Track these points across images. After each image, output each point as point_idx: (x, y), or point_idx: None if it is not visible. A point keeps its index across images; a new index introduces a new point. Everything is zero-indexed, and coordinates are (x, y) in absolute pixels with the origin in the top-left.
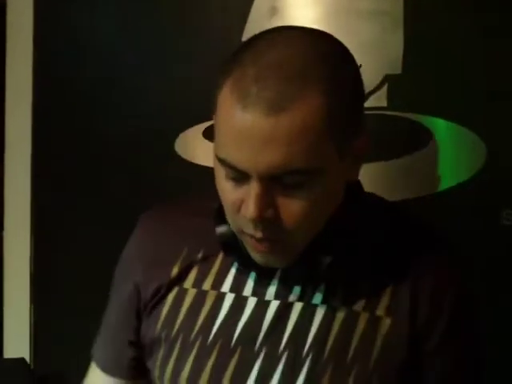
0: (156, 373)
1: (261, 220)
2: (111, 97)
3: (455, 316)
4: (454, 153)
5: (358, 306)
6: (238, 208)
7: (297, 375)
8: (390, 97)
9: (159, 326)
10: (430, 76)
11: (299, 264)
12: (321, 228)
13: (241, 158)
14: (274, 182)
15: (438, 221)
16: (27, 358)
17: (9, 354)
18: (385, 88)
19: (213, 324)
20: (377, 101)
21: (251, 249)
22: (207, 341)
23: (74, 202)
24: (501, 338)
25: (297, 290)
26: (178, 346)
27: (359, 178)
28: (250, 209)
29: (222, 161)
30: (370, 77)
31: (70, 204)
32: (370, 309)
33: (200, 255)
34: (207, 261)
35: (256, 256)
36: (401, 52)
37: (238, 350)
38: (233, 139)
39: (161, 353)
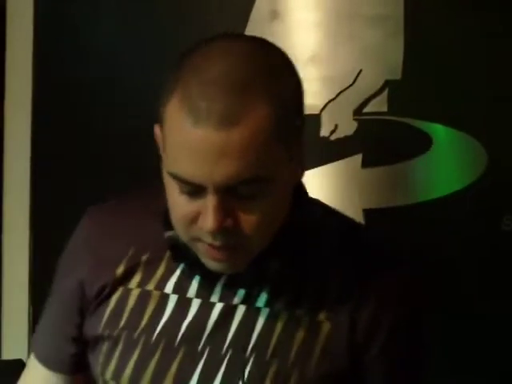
0: (98, 369)
1: (219, 231)
2: (112, 96)
3: (396, 330)
4: (454, 158)
5: (300, 310)
6: (192, 220)
7: (239, 376)
8: (390, 102)
9: (102, 324)
10: (430, 81)
11: (246, 269)
12: (275, 230)
13: (195, 172)
14: (229, 194)
15: (439, 226)
16: (25, 360)
17: (7, 355)
18: (385, 93)
19: (157, 324)
20: (377, 106)
21: (206, 256)
22: (151, 340)
23: (74, 203)
24: (500, 340)
25: (241, 292)
26: (121, 343)
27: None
28: (209, 221)
29: (174, 175)
30: (370, 82)
31: (69, 205)
32: (311, 314)
33: (146, 256)
34: (153, 262)
35: (210, 263)
36: (401, 57)
37: (182, 350)
38: (185, 154)
39: (103, 350)
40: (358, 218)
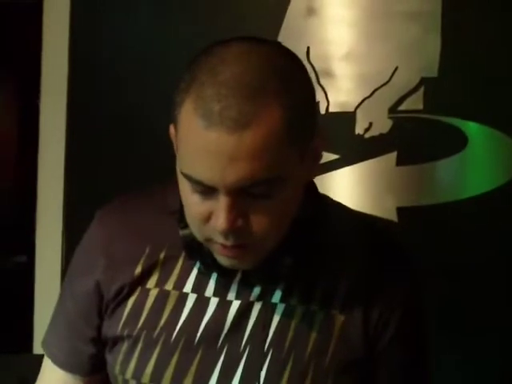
0: (117, 368)
1: (231, 231)
2: (145, 95)
3: (406, 321)
4: (489, 157)
5: (315, 304)
6: (206, 219)
7: (258, 371)
8: (426, 100)
9: (121, 324)
10: (467, 79)
11: (261, 265)
12: (286, 230)
13: (207, 174)
14: (241, 195)
15: (473, 225)
16: None
17: (39, 350)
18: (421, 91)
19: (176, 323)
20: (413, 103)
21: (219, 254)
22: (171, 338)
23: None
24: None
25: (257, 289)
26: (140, 343)
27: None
28: (221, 221)
29: (187, 176)
30: (405, 79)
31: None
32: (325, 307)
33: (162, 255)
34: (170, 261)
35: (223, 259)
36: (437, 55)
37: (201, 348)
38: (198, 157)
39: (123, 349)
40: (392, 216)
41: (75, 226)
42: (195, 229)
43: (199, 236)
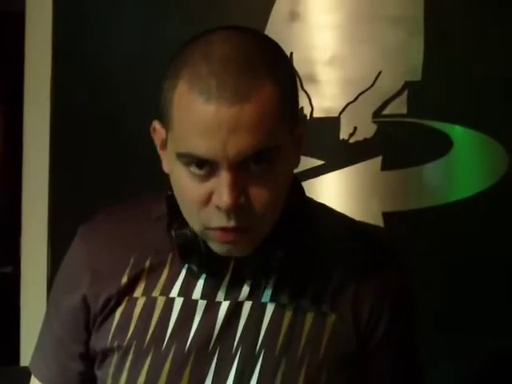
0: (108, 381)
1: (235, 207)
2: (130, 96)
3: (395, 318)
4: (474, 160)
5: (305, 302)
6: (205, 202)
7: (251, 373)
8: (410, 104)
9: (110, 336)
10: (450, 83)
11: (251, 259)
12: (279, 213)
13: (209, 148)
14: (241, 170)
15: (459, 229)
16: None
17: (26, 362)
18: (405, 95)
19: (165, 330)
20: (397, 108)
21: (216, 240)
22: (161, 347)
23: (93, 205)
24: None
25: (246, 289)
26: (131, 354)
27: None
28: (225, 197)
29: (185, 156)
30: (389, 84)
31: (87, 207)
32: (316, 305)
33: (148, 263)
34: (156, 268)
35: (219, 246)
36: (421, 59)
37: (193, 354)
38: (198, 131)
39: (113, 362)
40: (378, 221)
41: (61, 237)
42: (192, 217)
43: (196, 225)
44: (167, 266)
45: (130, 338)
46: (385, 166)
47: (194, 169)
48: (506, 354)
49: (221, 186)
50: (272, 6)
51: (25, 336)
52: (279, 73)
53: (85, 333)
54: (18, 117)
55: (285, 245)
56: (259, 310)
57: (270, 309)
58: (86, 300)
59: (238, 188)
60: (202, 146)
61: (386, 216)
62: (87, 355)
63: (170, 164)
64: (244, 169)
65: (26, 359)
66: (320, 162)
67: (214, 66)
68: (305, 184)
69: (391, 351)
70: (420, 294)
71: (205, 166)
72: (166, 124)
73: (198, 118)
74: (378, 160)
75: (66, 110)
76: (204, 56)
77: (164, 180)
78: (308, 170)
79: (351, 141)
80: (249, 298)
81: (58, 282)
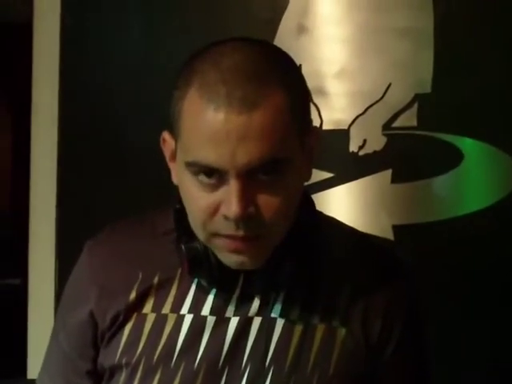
0: None
1: (243, 217)
2: (134, 106)
3: (406, 332)
4: (485, 173)
5: (315, 317)
6: (214, 212)
7: None
8: (420, 116)
9: (119, 353)
10: (460, 95)
11: (261, 273)
12: (290, 224)
13: (218, 156)
14: (250, 180)
15: (469, 242)
16: None
17: (33, 375)
18: (415, 107)
19: (174, 347)
20: (406, 120)
21: (226, 249)
22: (170, 364)
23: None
24: None
25: (256, 304)
26: (140, 370)
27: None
28: (234, 207)
29: (193, 164)
30: (399, 96)
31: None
32: (326, 320)
33: (156, 279)
34: (164, 284)
35: (229, 257)
36: (431, 71)
37: (202, 372)
38: (207, 139)
39: (121, 379)
40: (388, 234)
41: (68, 249)
42: (200, 226)
43: (203, 233)
44: (176, 282)
45: (139, 355)
46: (395, 179)
47: (202, 178)
48: None
49: (229, 196)
50: (280, 19)
51: (32, 348)
52: (289, 83)
53: (92, 349)
54: (26, 131)
55: (294, 259)
56: (269, 326)
57: (279, 324)
58: (93, 316)
59: (247, 197)
60: (210, 155)
61: (396, 229)
62: (94, 372)
63: (178, 175)
64: (253, 178)
65: (33, 372)
66: (329, 175)
67: (223, 75)
68: (314, 197)
69: (403, 364)
70: (430, 307)
71: (213, 175)
72: (175, 134)
73: (207, 127)
74: (388, 173)
75: (74, 123)
76: (214, 65)
77: (168, 191)
78: (317, 182)
79: (361, 153)
80: (258, 313)
81: (64, 298)
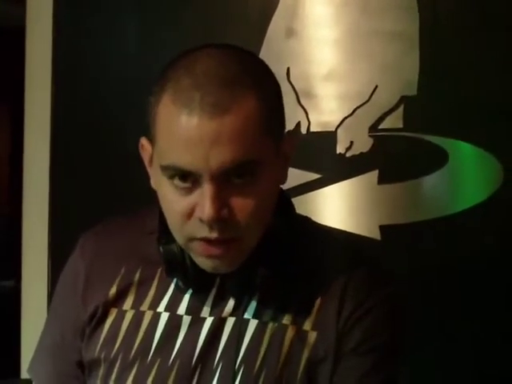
0: None
1: (217, 220)
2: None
3: (370, 336)
4: (470, 174)
5: (287, 319)
6: (189, 215)
7: None
8: (406, 118)
9: (99, 347)
10: (446, 97)
11: (236, 276)
12: (265, 227)
13: (191, 160)
14: (224, 183)
15: (455, 242)
16: None
17: (26, 375)
18: (401, 109)
19: (150, 344)
20: (393, 122)
21: (201, 254)
22: (146, 360)
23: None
24: None
25: (230, 305)
26: (117, 365)
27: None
28: (207, 210)
29: (168, 168)
30: (386, 98)
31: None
32: (298, 323)
33: (137, 276)
34: (145, 281)
35: (204, 261)
36: (416, 73)
37: (175, 369)
38: (181, 143)
39: (101, 372)
40: (375, 234)
41: (61, 251)
42: (177, 230)
43: (180, 237)
44: (156, 280)
45: (117, 350)
46: (381, 180)
47: (177, 182)
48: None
49: (203, 198)
50: (269, 23)
51: (25, 349)
52: (262, 88)
53: (80, 341)
54: (19, 132)
55: (269, 262)
56: (241, 327)
57: (252, 325)
58: (79, 307)
59: (221, 200)
60: (184, 159)
61: (383, 229)
62: (82, 363)
63: (156, 179)
64: (227, 181)
65: (26, 372)
66: (317, 176)
67: (197, 80)
68: (302, 198)
69: (363, 361)
70: (417, 307)
71: (188, 178)
72: (151, 139)
73: (180, 131)
74: (375, 174)
75: (67, 125)
76: (187, 70)
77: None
78: (305, 183)
79: (348, 155)
80: (232, 313)
81: (57, 290)
